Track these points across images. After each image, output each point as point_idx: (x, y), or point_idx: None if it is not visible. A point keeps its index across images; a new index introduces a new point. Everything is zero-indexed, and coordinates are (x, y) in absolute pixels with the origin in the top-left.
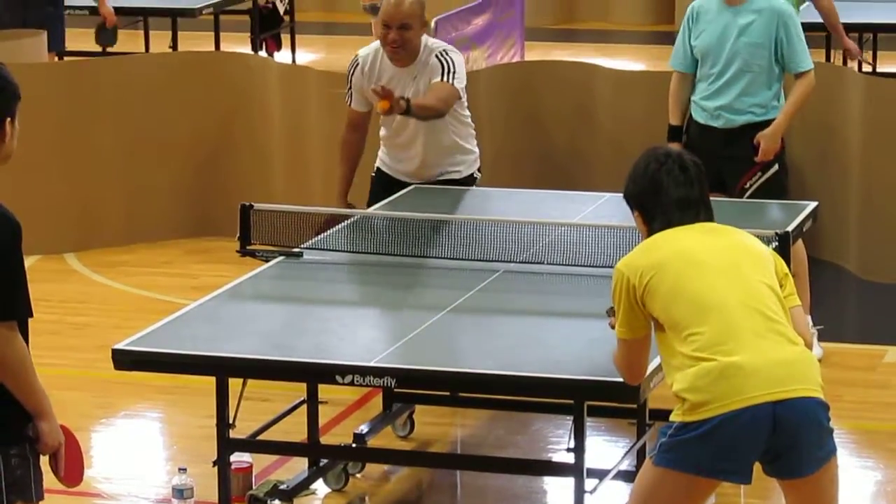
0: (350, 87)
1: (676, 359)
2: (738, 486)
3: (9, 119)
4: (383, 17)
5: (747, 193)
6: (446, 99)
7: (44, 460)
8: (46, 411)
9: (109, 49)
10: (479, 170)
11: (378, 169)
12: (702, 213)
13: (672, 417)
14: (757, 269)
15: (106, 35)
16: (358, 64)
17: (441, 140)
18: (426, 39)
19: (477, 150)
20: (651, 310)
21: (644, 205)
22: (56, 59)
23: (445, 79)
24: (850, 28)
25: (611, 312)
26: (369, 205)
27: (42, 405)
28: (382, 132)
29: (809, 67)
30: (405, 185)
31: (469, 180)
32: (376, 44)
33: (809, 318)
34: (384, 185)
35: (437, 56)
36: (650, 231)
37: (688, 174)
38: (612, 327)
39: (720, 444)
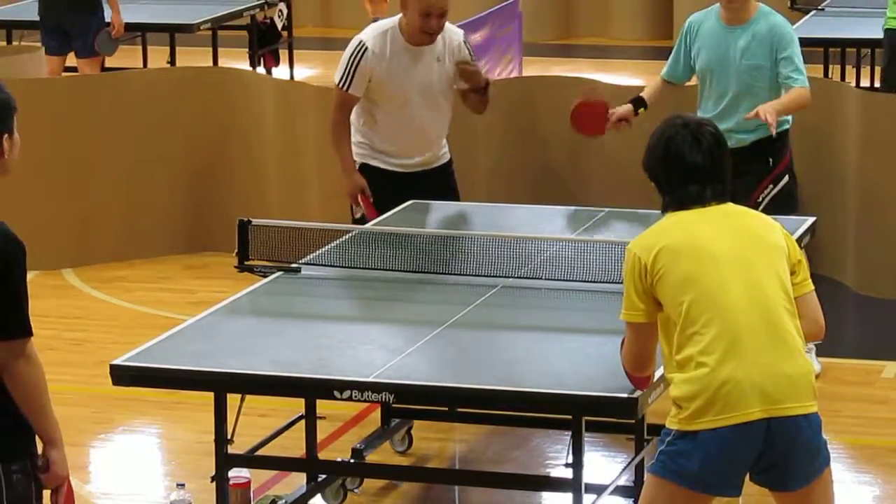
0: (353, 72)
1: (677, 354)
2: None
3: (6, 135)
4: (427, 6)
5: (760, 207)
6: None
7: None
8: (57, 440)
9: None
10: None
11: (377, 167)
12: (716, 189)
13: (668, 423)
14: (770, 262)
15: (108, 44)
16: (366, 48)
17: (445, 120)
18: None
19: None
20: (660, 295)
21: (657, 175)
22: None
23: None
24: (848, 43)
25: None
26: (383, 204)
27: (54, 433)
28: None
29: (803, 87)
30: (409, 177)
31: (450, 162)
32: (379, 27)
33: None
34: (390, 182)
35: (464, 44)
36: (665, 206)
37: (701, 144)
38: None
39: (712, 460)
